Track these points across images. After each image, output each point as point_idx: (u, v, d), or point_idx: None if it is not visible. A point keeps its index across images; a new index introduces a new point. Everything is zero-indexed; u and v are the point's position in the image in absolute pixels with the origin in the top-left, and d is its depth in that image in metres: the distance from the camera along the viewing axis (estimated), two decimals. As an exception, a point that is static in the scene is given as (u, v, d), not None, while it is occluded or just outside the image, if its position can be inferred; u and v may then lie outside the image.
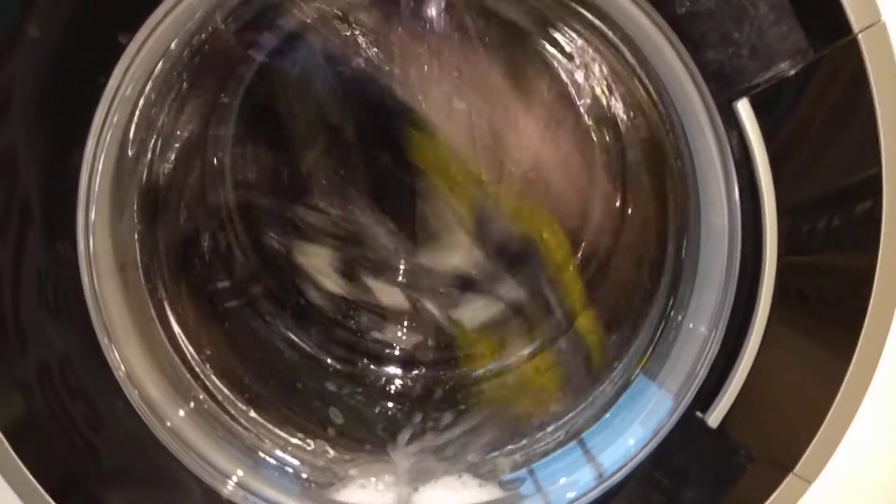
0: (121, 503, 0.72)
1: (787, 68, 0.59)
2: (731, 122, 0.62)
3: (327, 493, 0.80)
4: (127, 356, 0.72)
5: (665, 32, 0.61)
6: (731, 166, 0.64)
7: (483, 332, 1.00)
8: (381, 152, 0.94)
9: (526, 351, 0.98)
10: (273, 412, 0.86)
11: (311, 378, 0.96)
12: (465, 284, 0.99)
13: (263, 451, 0.81)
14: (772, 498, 0.69)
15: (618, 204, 0.91)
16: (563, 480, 0.78)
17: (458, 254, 0.97)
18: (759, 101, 0.61)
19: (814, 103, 0.61)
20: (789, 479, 0.69)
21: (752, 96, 0.60)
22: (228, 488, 0.76)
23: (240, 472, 0.78)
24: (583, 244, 0.96)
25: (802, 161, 0.62)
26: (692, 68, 0.62)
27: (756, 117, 0.61)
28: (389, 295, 1.01)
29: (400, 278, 1.00)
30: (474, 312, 1.00)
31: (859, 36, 0.58)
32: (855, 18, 0.58)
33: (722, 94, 0.61)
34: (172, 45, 0.69)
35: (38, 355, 0.68)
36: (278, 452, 0.82)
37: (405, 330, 1.02)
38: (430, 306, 0.99)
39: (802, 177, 0.63)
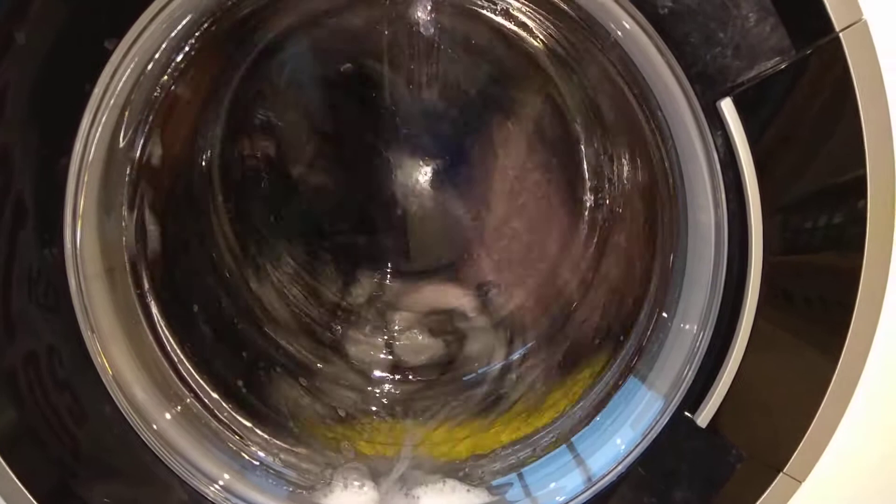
0: (100, 501, 0.71)
1: (770, 68, 0.59)
2: (716, 123, 0.62)
3: (313, 497, 0.80)
4: (114, 358, 0.72)
5: (648, 33, 0.62)
6: (716, 166, 0.64)
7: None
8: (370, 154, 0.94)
9: (516, 355, 0.98)
10: (260, 416, 0.86)
11: (300, 382, 0.95)
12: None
13: (250, 455, 0.81)
14: (763, 498, 0.69)
15: (606, 206, 0.91)
16: (552, 485, 0.78)
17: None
18: (743, 101, 0.61)
19: (798, 103, 0.61)
20: (779, 479, 0.68)
21: (735, 96, 0.61)
22: (214, 492, 0.76)
23: (226, 476, 0.77)
24: (572, 247, 0.96)
25: (788, 161, 0.63)
26: (676, 69, 0.62)
27: (740, 117, 0.61)
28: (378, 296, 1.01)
29: (388, 280, 1.00)
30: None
31: (841, 35, 0.58)
32: (836, 17, 0.58)
33: (706, 94, 0.62)
34: (159, 51, 0.70)
35: (26, 346, 0.67)
36: (265, 456, 0.82)
37: (394, 332, 1.02)
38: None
39: (788, 177, 0.63)
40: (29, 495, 0.68)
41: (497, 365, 0.98)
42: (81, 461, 0.70)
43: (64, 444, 0.69)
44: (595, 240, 0.94)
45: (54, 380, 0.68)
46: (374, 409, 0.95)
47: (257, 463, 0.81)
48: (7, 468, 0.67)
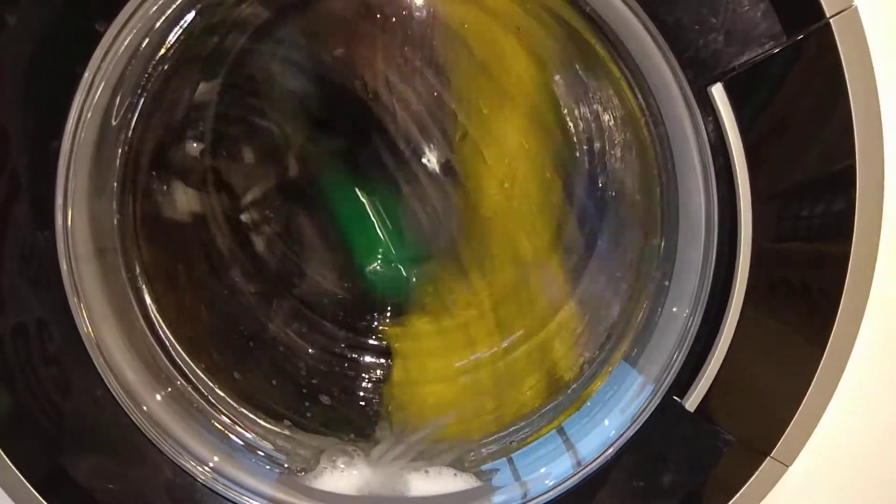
0: (91, 481, 0.71)
1: (761, 53, 0.60)
2: (707, 108, 0.62)
3: (302, 480, 0.80)
4: (105, 340, 0.72)
5: (641, 17, 0.62)
6: (706, 152, 0.64)
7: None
8: (362, 140, 0.94)
9: (504, 344, 0.98)
10: (251, 399, 0.86)
11: (290, 365, 0.96)
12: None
13: (240, 438, 0.81)
14: (750, 481, 0.70)
15: (599, 191, 0.91)
16: (542, 469, 0.78)
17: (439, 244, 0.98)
18: (733, 87, 0.61)
19: (789, 89, 0.62)
20: (767, 463, 0.69)
21: (727, 81, 0.61)
22: (204, 473, 0.76)
23: (216, 458, 0.77)
24: (564, 234, 0.96)
25: (778, 148, 0.63)
26: (668, 53, 0.62)
27: (731, 103, 0.61)
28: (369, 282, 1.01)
29: (378, 266, 1.01)
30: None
31: (831, 21, 0.58)
32: (827, 3, 0.58)
33: (697, 79, 0.62)
34: (151, 32, 0.69)
35: (16, 318, 0.67)
36: (255, 439, 0.82)
37: (386, 319, 1.02)
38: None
39: (778, 164, 0.63)
40: (23, 479, 0.69)
41: (488, 353, 0.99)
42: (69, 437, 0.71)
43: (52, 419, 0.69)
44: (588, 223, 0.94)
45: (43, 354, 0.68)
46: (360, 394, 0.96)
47: (247, 445, 0.81)
48: (2, 454, 0.68)
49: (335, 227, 0.99)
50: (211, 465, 0.77)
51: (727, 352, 0.67)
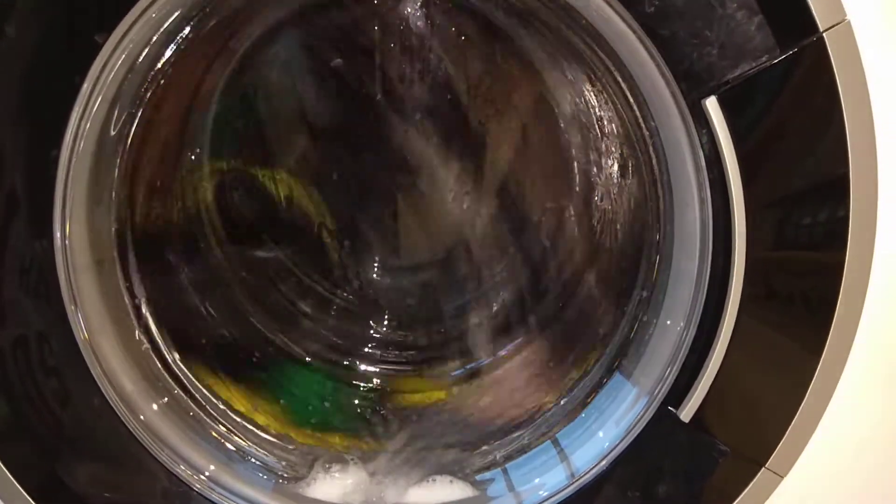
0: (87, 490, 0.72)
1: (754, 67, 0.60)
2: (701, 121, 0.63)
3: (298, 489, 0.80)
4: (102, 350, 0.72)
5: (636, 31, 0.62)
6: (701, 164, 0.65)
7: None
8: (362, 149, 0.94)
9: (501, 352, 0.98)
10: (247, 408, 0.86)
11: (286, 374, 0.96)
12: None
13: (236, 447, 0.81)
14: (745, 492, 0.70)
15: (595, 202, 0.91)
16: (536, 480, 0.78)
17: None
18: (728, 100, 0.61)
19: (783, 102, 0.62)
20: (762, 474, 0.69)
21: (721, 94, 0.61)
22: (200, 482, 0.76)
23: (212, 467, 0.78)
24: (561, 243, 0.96)
25: (772, 159, 0.63)
26: (663, 66, 0.63)
27: (725, 115, 0.62)
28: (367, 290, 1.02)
29: (376, 275, 1.01)
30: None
31: (825, 35, 0.59)
32: (820, 17, 0.59)
33: (692, 92, 0.62)
34: (150, 44, 0.70)
35: (16, 331, 0.68)
36: (251, 448, 0.82)
37: (382, 327, 1.03)
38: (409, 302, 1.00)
39: (772, 175, 0.63)
40: (20, 487, 0.69)
41: (485, 361, 0.99)
42: (67, 446, 0.71)
43: (50, 428, 0.70)
44: (584, 235, 0.94)
45: (43, 366, 0.69)
46: (356, 402, 0.96)
47: (243, 454, 0.81)
48: (-1, 462, 0.68)
49: (335, 234, 0.99)
50: (207, 473, 0.77)
51: (722, 362, 0.67)
